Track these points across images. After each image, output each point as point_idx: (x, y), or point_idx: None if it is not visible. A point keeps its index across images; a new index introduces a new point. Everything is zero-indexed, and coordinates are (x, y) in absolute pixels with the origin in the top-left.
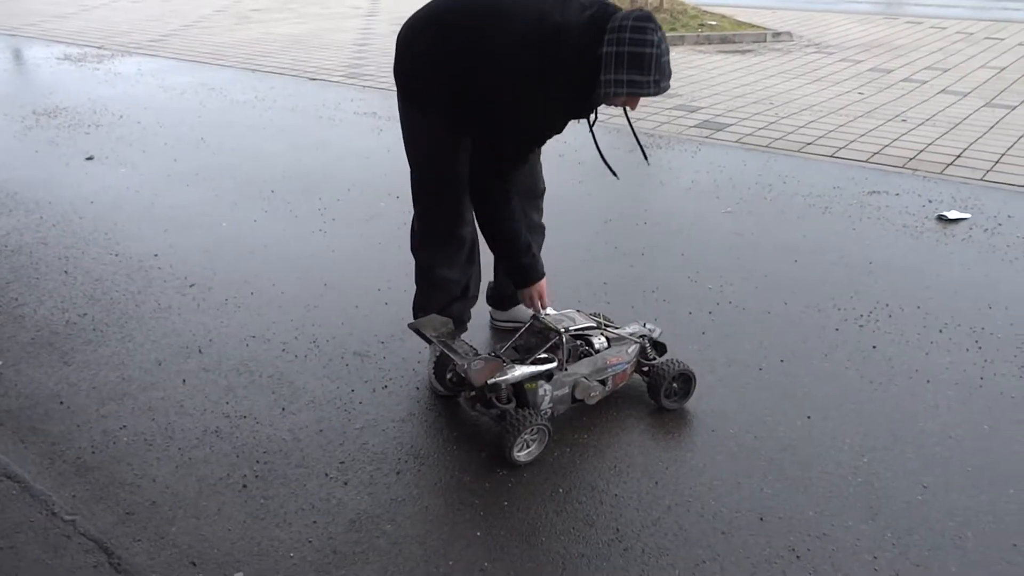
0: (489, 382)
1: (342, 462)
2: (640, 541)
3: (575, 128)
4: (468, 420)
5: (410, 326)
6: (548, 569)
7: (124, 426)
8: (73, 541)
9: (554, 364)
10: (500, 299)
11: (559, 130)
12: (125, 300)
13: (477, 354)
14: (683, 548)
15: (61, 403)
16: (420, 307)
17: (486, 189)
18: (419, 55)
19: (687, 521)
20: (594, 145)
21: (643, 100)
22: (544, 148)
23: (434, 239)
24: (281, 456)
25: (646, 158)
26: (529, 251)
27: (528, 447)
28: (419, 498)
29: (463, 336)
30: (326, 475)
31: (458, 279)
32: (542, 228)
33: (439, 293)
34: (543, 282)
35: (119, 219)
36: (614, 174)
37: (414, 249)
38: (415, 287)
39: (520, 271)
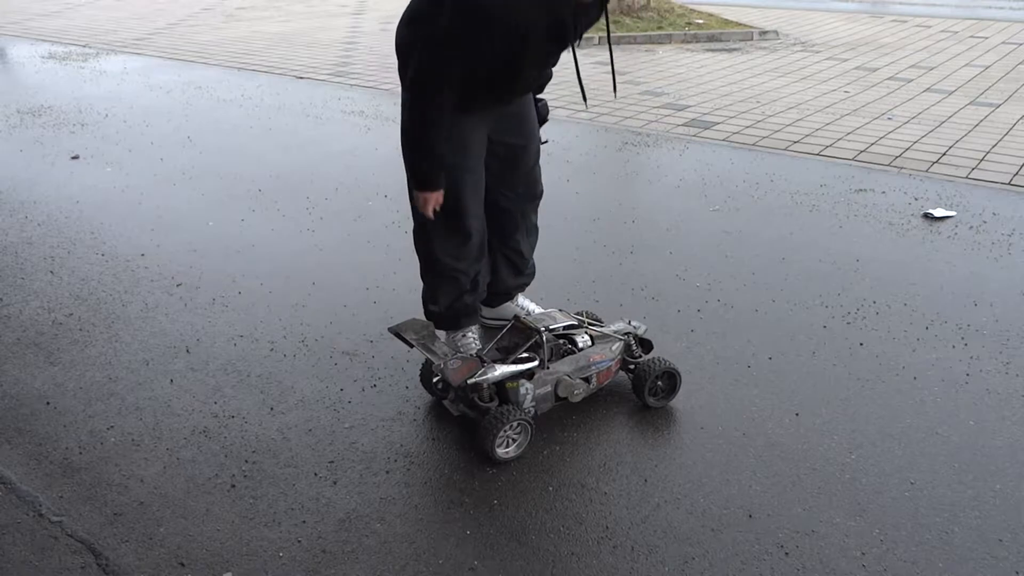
0: (469, 382)
1: (331, 461)
2: (630, 539)
3: (565, 127)
4: (457, 419)
5: (390, 330)
6: (538, 567)
7: (111, 426)
8: (60, 542)
9: (535, 363)
10: (489, 296)
11: (541, 36)
12: (112, 300)
13: (456, 354)
14: (672, 545)
15: (47, 403)
16: (430, 300)
17: (428, 75)
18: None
19: (676, 518)
20: (575, 68)
21: (631, 100)
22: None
23: (437, 230)
24: (270, 456)
25: (584, 100)
26: (433, 157)
27: (510, 444)
28: (408, 497)
29: (473, 328)
30: (315, 475)
31: (465, 270)
32: (536, 229)
33: (448, 284)
34: (438, 195)
35: (105, 218)
36: (584, 100)
37: (416, 243)
38: (422, 283)
39: (420, 173)
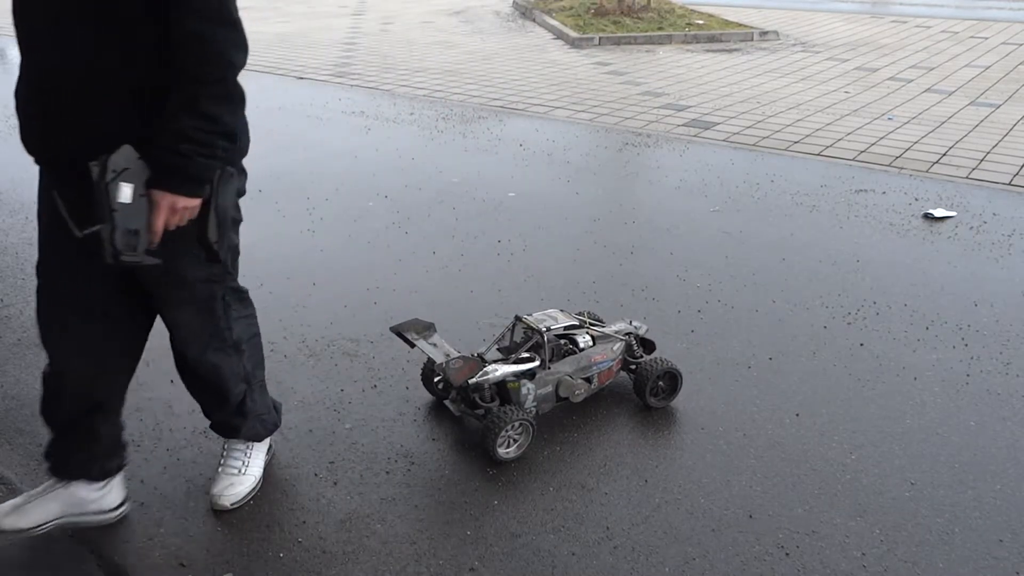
0: (470, 382)
1: (331, 462)
2: (630, 539)
3: (565, 128)
4: (457, 420)
5: (392, 329)
6: (538, 567)
7: None
8: (61, 543)
9: (537, 363)
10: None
11: None
12: None
13: (458, 355)
14: (673, 546)
15: None
16: None
17: None
18: None
19: (677, 519)
20: None
21: (632, 101)
22: (532, 148)
23: None
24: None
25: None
26: None
27: (512, 444)
28: (409, 497)
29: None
30: (315, 475)
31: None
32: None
33: None
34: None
35: None
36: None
37: None
38: None
39: None
